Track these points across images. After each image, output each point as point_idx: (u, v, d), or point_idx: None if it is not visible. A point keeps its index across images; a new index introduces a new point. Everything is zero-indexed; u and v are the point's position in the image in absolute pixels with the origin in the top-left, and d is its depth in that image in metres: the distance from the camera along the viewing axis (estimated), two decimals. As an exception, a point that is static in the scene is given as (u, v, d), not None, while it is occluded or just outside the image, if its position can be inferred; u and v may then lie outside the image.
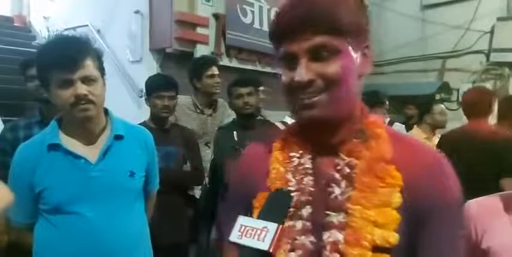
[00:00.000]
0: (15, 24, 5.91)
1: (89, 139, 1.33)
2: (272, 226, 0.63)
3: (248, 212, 0.74)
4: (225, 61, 4.15)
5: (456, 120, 4.24)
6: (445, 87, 5.84)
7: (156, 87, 2.19)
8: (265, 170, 0.77)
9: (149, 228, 1.46)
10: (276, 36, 0.72)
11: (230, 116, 2.69)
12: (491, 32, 5.73)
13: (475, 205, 1.06)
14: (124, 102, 3.90)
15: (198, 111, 2.69)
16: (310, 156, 0.75)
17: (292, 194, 0.72)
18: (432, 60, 6.25)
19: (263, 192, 0.74)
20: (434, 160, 0.71)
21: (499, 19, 5.64)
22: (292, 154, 0.76)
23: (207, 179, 2.41)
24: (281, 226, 0.64)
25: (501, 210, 1.01)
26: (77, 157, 1.29)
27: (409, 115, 4.35)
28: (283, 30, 0.70)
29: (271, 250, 0.62)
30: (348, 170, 0.71)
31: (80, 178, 1.27)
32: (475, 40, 5.82)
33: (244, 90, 2.27)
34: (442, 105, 3.31)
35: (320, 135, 0.74)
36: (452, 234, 0.69)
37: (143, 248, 1.40)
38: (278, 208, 0.69)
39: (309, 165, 0.74)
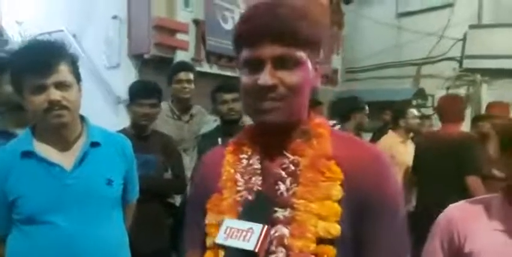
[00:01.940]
0: (-14, 28, 5.73)
1: (64, 146, 1.29)
2: (257, 227, 0.66)
3: (205, 215, 0.79)
4: (205, 67, 4.13)
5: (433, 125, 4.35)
6: (421, 94, 5.99)
7: (136, 95, 2.14)
8: (219, 173, 0.81)
9: (128, 237, 1.42)
10: (241, 40, 0.76)
11: (208, 122, 2.66)
12: (464, 39, 5.93)
13: (456, 209, 1.08)
14: (100, 109, 3.81)
15: (175, 117, 2.66)
16: (258, 157, 0.80)
17: (240, 193, 0.76)
18: (407, 67, 6.42)
19: (216, 194, 0.79)
20: (372, 156, 0.76)
21: (471, 27, 5.85)
22: (242, 156, 0.81)
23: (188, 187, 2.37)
24: (266, 226, 0.66)
25: (481, 214, 1.03)
26: (52, 164, 1.25)
27: (387, 120, 4.43)
28: (250, 36, 0.73)
29: (256, 250, 0.64)
30: (292, 167, 0.75)
31: (54, 186, 1.23)
32: (448, 47, 6.00)
33: (228, 96, 2.26)
34: (415, 110, 3.41)
35: (271, 137, 0.78)
36: (393, 223, 0.74)
37: (121, 258, 1.36)
38: (262, 209, 0.71)
39: (257, 165, 0.78)
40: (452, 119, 2.66)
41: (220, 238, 0.68)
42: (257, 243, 0.64)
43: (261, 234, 0.65)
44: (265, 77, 0.72)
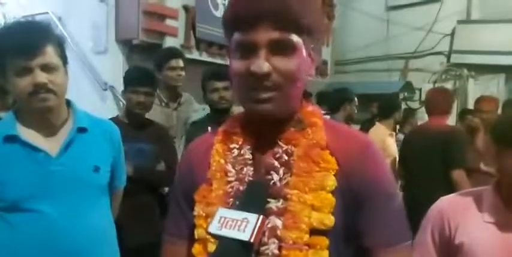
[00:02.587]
0: (-34, 9, 5.53)
1: (49, 131, 1.25)
2: (252, 217, 0.64)
3: (191, 206, 0.77)
4: (194, 54, 4.06)
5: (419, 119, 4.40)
6: (408, 87, 6.04)
7: (131, 82, 2.08)
8: (207, 163, 0.78)
9: (120, 229, 1.39)
10: (233, 23, 0.71)
11: (197, 111, 2.63)
12: (452, 34, 5.97)
13: (447, 201, 1.09)
14: (87, 95, 3.73)
15: (163, 104, 2.62)
16: (249, 146, 0.77)
17: (231, 184, 0.74)
18: (395, 60, 6.44)
19: (205, 185, 0.76)
20: (363, 145, 0.75)
21: (459, 22, 5.89)
22: (232, 146, 0.77)
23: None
24: (261, 216, 0.65)
25: (472, 206, 1.04)
26: (36, 149, 1.20)
27: (374, 113, 4.46)
28: (244, 17, 0.68)
29: (252, 240, 0.63)
30: (286, 157, 0.73)
31: (39, 172, 1.19)
32: (436, 42, 6.04)
33: (220, 84, 2.22)
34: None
35: (264, 127, 0.76)
36: (390, 209, 0.73)
37: (108, 247, 1.33)
38: (256, 198, 0.69)
39: (248, 155, 0.76)
40: (440, 112, 2.67)
41: (213, 228, 0.66)
42: (252, 233, 0.63)
43: (256, 224, 0.63)
44: (260, 63, 0.67)
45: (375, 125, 3.38)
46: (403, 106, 5.52)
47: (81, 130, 1.28)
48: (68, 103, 1.32)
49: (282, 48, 0.68)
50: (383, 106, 3.43)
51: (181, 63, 2.61)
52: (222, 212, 0.67)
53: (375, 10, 6.48)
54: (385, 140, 3.07)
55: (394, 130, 3.42)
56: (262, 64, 0.67)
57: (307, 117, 0.76)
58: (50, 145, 1.23)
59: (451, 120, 4.89)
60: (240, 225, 0.64)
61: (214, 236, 0.67)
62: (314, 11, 0.71)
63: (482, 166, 2.52)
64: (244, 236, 0.63)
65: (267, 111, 0.70)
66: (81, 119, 1.31)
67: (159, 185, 2.21)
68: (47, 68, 1.17)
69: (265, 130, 0.76)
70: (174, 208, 0.84)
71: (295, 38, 0.69)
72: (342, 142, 0.74)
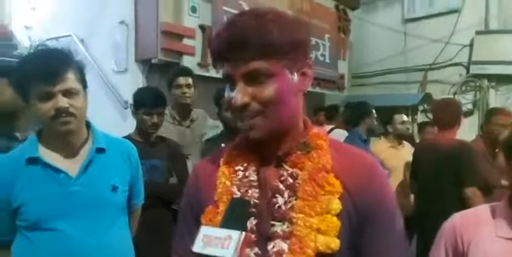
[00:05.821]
0: (-4, 33, 5.80)
1: (70, 152, 1.30)
2: (235, 234, 0.65)
3: (199, 226, 0.76)
4: (211, 72, 4.14)
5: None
6: (428, 99, 5.96)
7: (145, 103, 2.13)
8: (213, 184, 0.79)
9: (136, 244, 1.42)
10: (214, 58, 0.75)
11: (211, 127, 2.65)
12: (471, 45, 5.90)
13: (460, 217, 1.07)
14: (108, 113, 3.83)
15: (176, 123, 2.63)
16: (254, 168, 0.78)
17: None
18: (414, 73, 6.39)
19: (211, 207, 0.77)
20: (368, 166, 0.76)
21: (478, 33, 5.82)
22: (237, 168, 0.79)
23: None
24: (244, 232, 0.65)
25: (485, 221, 1.02)
26: (57, 170, 1.25)
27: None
28: (220, 53, 0.73)
29: None
30: (291, 180, 0.74)
31: (59, 193, 1.23)
32: (455, 53, 5.97)
33: None
34: (404, 115, 3.40)
35: (264, 149, 0.77)
36: (394, 230, 0.75)
37: (126, 265, 1.36)
38: (239, 215, 0.70)
39: (253, 177, 0.77)
40: (446, 126, 2.60)
41: (197, 247, 0.66)
42: (236, 250, 0.63)
43: (239, 241, 0.64)
44: (237, 96, 0.71)
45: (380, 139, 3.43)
46: (424, 119, 5.46)
47: (100, 151, 1.33)
48: (88, 125, 1.37)
49: (257, 78, 0.71)
50: (381, 120, 3.39)
51: (189, 80, 2.60)
52: (205, 230, 0.68)
53: (391, 23, 6.49)
54: (383, 154, 3.11)
55: (398, 142, 3.42)
56: (238, 97, 0.71)
57: (312, 140, 0.78)
58: (70, 166, 1.27)
59: (474, 130, 4.81)
60: (224, 243, 0.64)
61: (198, 255, 0.67)
62: (287, 32, 0.71)
63: (504, 182, 2.45)
64: (228, 253, 0.63)
65: (255, 137, 0.73)
66: (99, 139, 1.35)
67: (172, 197, 2.22)
68: (68, 93, 1.23)
69: (269, 150, 0.77)
70: (183, 227, 0.85)
71: (267, 65, 0.70)
72: (348, 163, 0.76)
